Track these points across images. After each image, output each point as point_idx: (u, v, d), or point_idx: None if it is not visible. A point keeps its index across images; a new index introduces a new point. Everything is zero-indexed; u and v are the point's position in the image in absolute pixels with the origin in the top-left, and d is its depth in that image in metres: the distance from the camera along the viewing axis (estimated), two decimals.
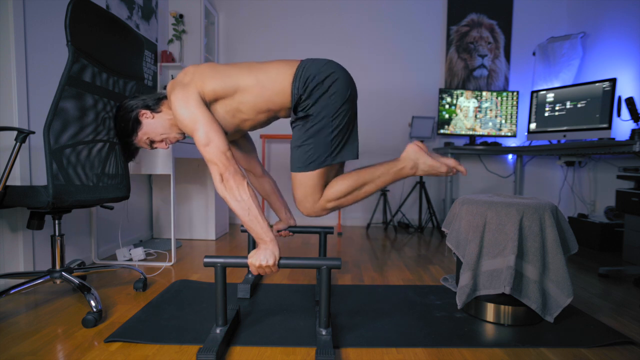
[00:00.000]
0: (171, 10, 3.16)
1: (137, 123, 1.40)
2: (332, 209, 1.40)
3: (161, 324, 1.36)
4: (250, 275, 1.78)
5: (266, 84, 1.30)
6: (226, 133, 1.36)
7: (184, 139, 1.50)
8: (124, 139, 1.46)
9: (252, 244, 1.77)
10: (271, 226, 1.23)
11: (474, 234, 1.43)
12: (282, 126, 3.59)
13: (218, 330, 1.19)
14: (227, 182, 1.19)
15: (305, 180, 1.31)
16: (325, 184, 1.35)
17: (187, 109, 1.22)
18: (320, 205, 1.37)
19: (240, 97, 1.31)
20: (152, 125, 1.41)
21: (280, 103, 1.32)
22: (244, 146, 1.65)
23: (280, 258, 1.20)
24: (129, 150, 1.55)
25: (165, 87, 2.95)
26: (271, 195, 1.73)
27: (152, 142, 1.45)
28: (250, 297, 1.65)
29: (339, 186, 1.35)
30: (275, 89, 1.30)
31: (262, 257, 1.16)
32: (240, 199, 1.18)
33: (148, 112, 1.40)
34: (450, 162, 1.44)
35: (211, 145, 1.19)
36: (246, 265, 1.20)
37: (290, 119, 1.38)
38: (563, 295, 1.36)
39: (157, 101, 1.42)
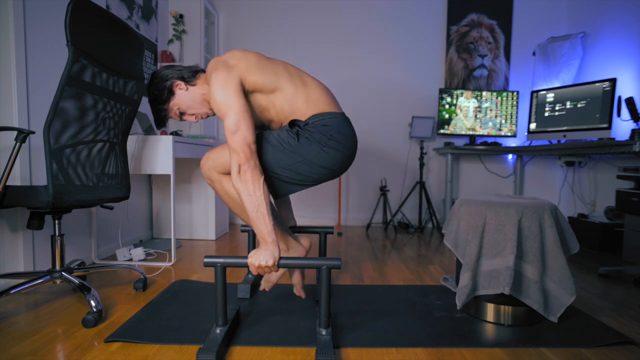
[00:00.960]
0: (171, 10, 3.16)
1: (170, 93, 1.40)
2: (211, 184, 1.40)
3: (161, 324, 1.36)
4: (250, 275, 1.78)
5: (299, 99, 1.32)
6: None
7: (214, 115, 1.49)
8: (156, 106, 1.45)
9: (252, 244, 1.77)
10: None
11: (474, 234, 1.43)
12: None
13: (218, 330, 1.19)
14: (244, 174, 1.18)
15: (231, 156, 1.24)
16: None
17: (225, 92, 1.21)
18: (211, 174, 1.37)
19: (275, 97, 1.32)
20: (184, 97, 1.41)
21: (299, 118, 1.36)
22: None
23: (280, 258, 1.20)
24: (160, 117, 1.49)
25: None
26: None
27: (182, 114, 1.45)
28: (250, 297, 1.65)
29: (236, 185, 1.23)
30: (303, 108, 1.33)
31: (262, 258, 1.16)
32: (253, 194, 1.18)
33: (182, 83, 1.40)
34: (295, 279, 1.50)
35: (238, 134, 1.18)
36: (246, 266, 1.20)
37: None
38: (566, 294, 1.35)
39: (193, 74, 1.41)
